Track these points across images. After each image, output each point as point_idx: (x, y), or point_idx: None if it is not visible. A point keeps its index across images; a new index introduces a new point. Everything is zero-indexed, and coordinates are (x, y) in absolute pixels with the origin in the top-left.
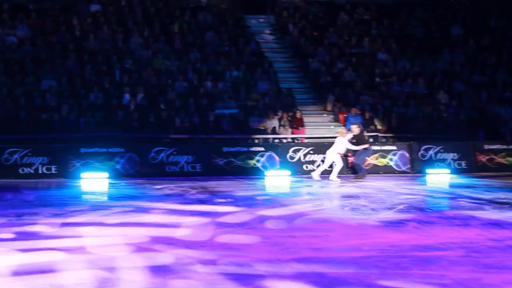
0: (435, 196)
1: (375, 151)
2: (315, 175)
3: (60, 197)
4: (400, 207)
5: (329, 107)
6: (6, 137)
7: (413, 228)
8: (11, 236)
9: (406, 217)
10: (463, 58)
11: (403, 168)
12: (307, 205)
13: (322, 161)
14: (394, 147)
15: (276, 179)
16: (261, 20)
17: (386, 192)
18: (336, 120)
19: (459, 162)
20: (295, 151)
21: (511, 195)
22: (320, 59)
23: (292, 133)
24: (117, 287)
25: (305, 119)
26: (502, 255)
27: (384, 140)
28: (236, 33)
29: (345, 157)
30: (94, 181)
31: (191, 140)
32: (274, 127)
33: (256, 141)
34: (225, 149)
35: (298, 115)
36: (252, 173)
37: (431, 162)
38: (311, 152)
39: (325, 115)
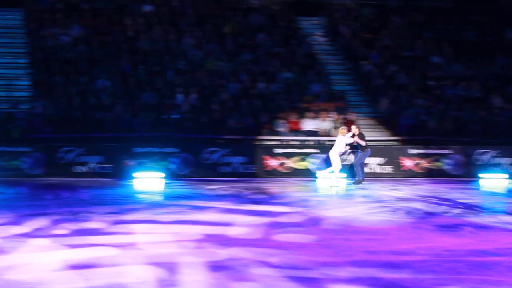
0: (491, 201)
1: (429, 155)
2: (333, 181)
3: (114, 196)
4: (456, 211)
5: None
6: (61, 136)
7: (469, 232)
8: (65, 232)
9: (461, 222)
10: None
11: (457, 172)
12: (362, 207)
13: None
14: (448, 151)
15: (329, 181)
16: (313, 22)
17: (441, 196)
18: (387, 122)
19: None
20: (348, 154)
21: None
22: (372, 61)
23: None
24: (176, 286)
25: (358, 122)
26: None
27: (436, 144)
28: (288, 34)
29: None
30: (148, 181)
31: (244, 141)
32: (328, 129)
33: (310, 142)
34: (278, 150)
35: (350, 117)
36: (305, 174)
37: (486, 166)
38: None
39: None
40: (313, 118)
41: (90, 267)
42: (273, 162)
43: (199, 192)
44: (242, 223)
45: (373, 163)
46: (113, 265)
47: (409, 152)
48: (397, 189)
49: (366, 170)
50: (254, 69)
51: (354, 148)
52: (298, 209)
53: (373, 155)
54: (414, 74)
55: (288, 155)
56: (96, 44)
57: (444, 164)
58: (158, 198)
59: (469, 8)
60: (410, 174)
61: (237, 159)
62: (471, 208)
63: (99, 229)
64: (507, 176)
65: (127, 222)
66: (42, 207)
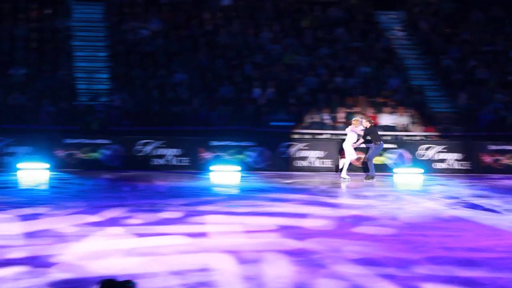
0: None
1: (509, 151)
2: (343, 174)
3: (191, 189)
4: None
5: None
6: (139, 129)
7: None
8: (140, 221)
9: None
10: None
11: None
12: (438, 203)
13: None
14: None
15: (406, 177)
16: (392, 16)
17: None
18: (466, 117)
19: None
20: (426, 149)
21: None
22: (451, 56)
23: (423, 131)
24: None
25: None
26: None
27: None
28: (367, 29)
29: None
30: (224, 174)
31: (321, 135)
32: (405, 124)
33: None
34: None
35: (428, 112)
36: (382, 169)
37: None
38: (444, 150)
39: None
40: (391, 113)
41: (156, 255)
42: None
43: (275, 186)
44: (317, 216)
45: (451, 159)
46: (180, 253)
47: (489, 148)
48: (475, 185)
49: (444, 166)
50: (332, 63)
51: (368, 142)
52: (374, 204)
53: (451, 150)
54: (494, 69)
55: (365, 150)
56: (174, 38)
57: None
58: (234, 191)
59: None
60: (489, 170)
61: (313, 154)
62: None
63: (173, 219)
64: None
65: (201, 213)
66: (119, 199)
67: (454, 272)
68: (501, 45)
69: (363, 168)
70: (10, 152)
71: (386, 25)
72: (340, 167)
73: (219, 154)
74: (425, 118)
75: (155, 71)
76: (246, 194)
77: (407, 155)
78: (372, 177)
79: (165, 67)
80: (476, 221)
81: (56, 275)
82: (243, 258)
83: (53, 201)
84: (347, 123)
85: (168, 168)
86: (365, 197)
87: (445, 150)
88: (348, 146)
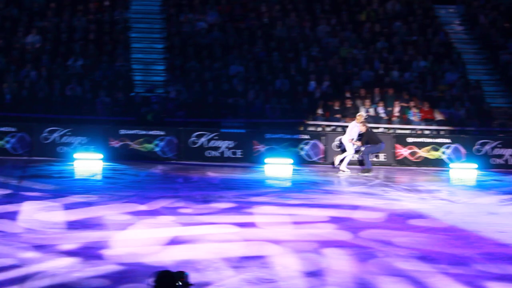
0: None
1: None
2: (343, 167)
3: (244, 181)
4: None
5: None
6: (193, 121)
7: None
8: (190, 211)
9: None
10: None
11: None
12: (493, 199)
13: (343, 150)
14: None
15: (461, 172)
16: (451, 10)
17: None
18: None
19: None
20: (482, 144)
21: None
22: (510, 51)
23: (480, 126)
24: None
25: (494, 112)
26: None
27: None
28: (425, 23)
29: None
30: (278, 167)
31: (375, 129)
32: (461, 119)
33: (442, 132)
34: (410, 139)
35: (486, 107)
36: (437, 164)
37: None
38: (499, 145)
39: None
40: (446, 107)
41: (197, 242)
42: (404, 151)
43: (328, 179)
44: (370, 209)
45: (508, 155)
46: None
47: None
48: None
49: (501, 161)
50: (388, 57)
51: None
52: (427, 198)
53: (508, 145)
54: None
55: (420, 145)
56: (231, 31)
57: None
58: (287, 183)
59: None
60: None
61: (368, 148)
62: None
63: (224, 209)
64: None
65: (253, 205)
66: (172, 190)
67: (508, 269)
68: None
69: (359, 162)
70: (66, 142)
71: (444, 19)
72: (336, 163)
73: (273, 146)
74: (482, 113)
75: (211, 63)
76: (299, 186)
77: (462, 150)
78: (369, 170)
79: (221, 59)
80: None
81: (109, 266)
82: (296, 249)
83: (107, 191)
84: (352, 119)
85: (222, 160)
86: (419, 191)
87: (502, 146)
88: (347, 141)
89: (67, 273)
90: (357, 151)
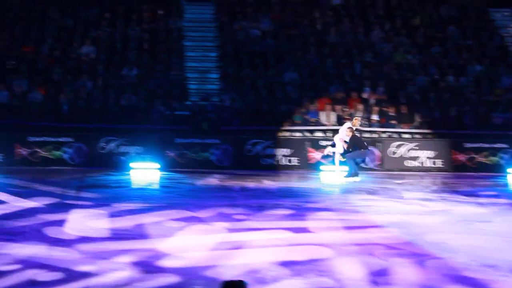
0: None
1: None
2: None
3: (300, 189)
4: None
5: None
6: (248, 129)
7: None
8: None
9: None
10: None
11: None
12: None
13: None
14: None
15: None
16: (506, 13)
17: None
18: None
19: None
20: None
21: None
22: None
23: None
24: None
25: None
26: None
27: None
28: (479, 26)
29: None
30: (333, 174)
31: (432, 135)
32: None
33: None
34: (467, 145)
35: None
36: (494, 170)
37: None
38: None
39: None
40: (503, 111)
41: (253, 247)
42: (461, 157)
43: (384, 186)
44: (427, 213)
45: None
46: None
47: None
48: None
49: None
50: (443, 62)
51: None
52: (487, 203)
53: None
54: None
55: (477, 150)
56: (284, 38)
57: None
58: (342, 190)
59: None
60: None
61: (424, 153)
62: None
63: (281, 216)
64: None
65: (310, 211)
66: (228, 198)
67: None
68: None
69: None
70: (122, 152)
71: (499, 23)
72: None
73: (329, 154)
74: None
75: (264, 71)
76: (354, 195)
77: None
78: (353, 176)
79: (274, 66)
80: None
81: (169, 278)
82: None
83: (163, 200)
84: (346, 119)
85: (278, 168)
86: (477, 196)
87: None
88: (338, 140)
89: (126, 284)
90: (343, 155)
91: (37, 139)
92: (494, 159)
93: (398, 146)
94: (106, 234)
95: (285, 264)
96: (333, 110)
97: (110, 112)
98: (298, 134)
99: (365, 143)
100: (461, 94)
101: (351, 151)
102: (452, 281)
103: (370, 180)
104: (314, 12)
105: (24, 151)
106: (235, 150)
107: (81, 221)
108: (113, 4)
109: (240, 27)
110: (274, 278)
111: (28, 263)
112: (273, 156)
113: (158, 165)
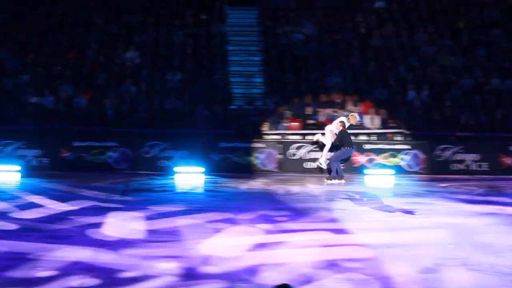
0: None
1: None
2: (322, 162)
3: (345, 192)
4: None
5: None
6: (292, 133)
7: None
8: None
9: None
10: None
11: None
12: None
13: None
14: None
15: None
16: None
17: None
18: None
19: None
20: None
21: None
22: None
23: None
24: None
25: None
26: None
27: None
28: None
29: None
30: (378, 177)
31: (478, 138)
32: None
33: None
34: None
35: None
36: None
37: None
38: None
39: None
40: None
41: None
42: (508, 160)
43: (430, 190)
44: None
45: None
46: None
47: None
48: None
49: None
50: (488, 65)
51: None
52: None
53: None
54: None
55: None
56: (327, 42)
57: None
58: (388, 193)
59: None
60: None
61: (470, 157)
62: None
63: (319, 217)
64: None
65: (354, 214)
66: (272, 202)
67: None
68: None
69: (328, 169)
70: (167, 156)
71: None
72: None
73: (372, 157)
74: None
75: (307, 75)
76: (399, 198)
77: None
78: (334, 178)
79: (317, 70)
80: None
81: (214, 285)
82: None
83: (208, 204)
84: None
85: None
86: None
87: None
88: (328, 131)
89: None
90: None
91: (82, 143)
92: None
93: (444, 150)
94: (151, 237)
95: (329, 265)
96: (377, 113)
97: (154, 116)
98: None
99: (351, 141)
100: (506, 97)
101: (335, 149)
102: (499, 283)
103: (415, 184)
104: (357, 16)
105: (69, 156)
106: (278, 154)
107: (126, 225)
108: (157, 9)
109: (283, 32)
110: (318, 278)
111: (75, 267)
112: (316, 160)
113: (202, 169)
